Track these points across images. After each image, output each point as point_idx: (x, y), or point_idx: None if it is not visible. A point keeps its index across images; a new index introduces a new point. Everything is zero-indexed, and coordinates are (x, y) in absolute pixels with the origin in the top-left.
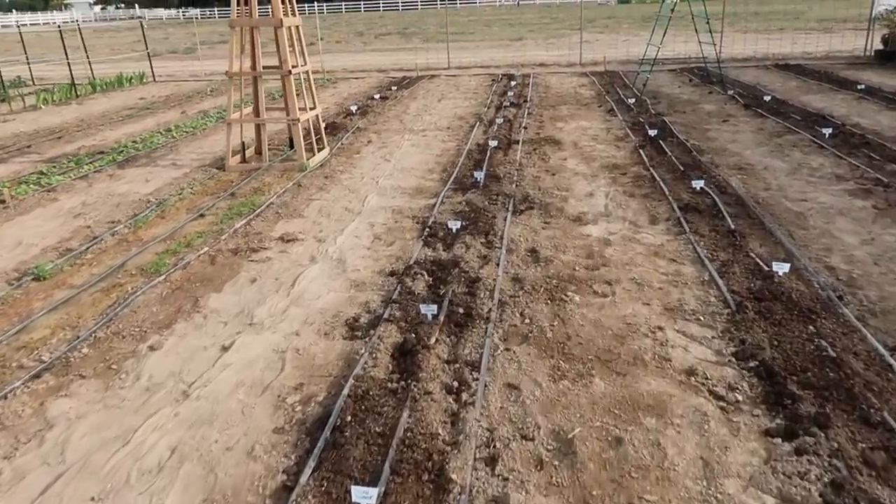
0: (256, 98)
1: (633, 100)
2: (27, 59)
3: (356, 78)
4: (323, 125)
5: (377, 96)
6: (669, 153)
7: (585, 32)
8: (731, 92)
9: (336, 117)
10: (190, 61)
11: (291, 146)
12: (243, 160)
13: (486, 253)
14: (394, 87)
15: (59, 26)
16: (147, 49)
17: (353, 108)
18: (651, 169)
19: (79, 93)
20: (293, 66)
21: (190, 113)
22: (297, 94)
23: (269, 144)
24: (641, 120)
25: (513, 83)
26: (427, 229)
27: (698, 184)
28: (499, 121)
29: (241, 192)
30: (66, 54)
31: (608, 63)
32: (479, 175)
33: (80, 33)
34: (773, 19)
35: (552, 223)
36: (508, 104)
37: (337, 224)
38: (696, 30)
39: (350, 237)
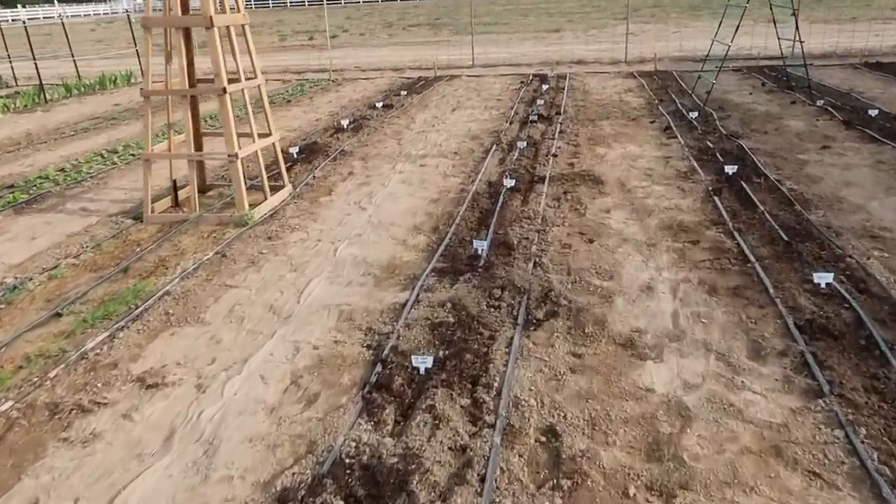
0: (195, 122)
1: (696, 113)
2: (7, 56)
3: (366, 78)
4: (286, 154)
5: (380, 104)
6: (760, 205)
7: (630, 23)
8: (820, 102)
9: (320, 134)
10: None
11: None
12: (175, 204)
13: (466, 443)
14: (403, 92)
15: (61, 17)
16: (133, 45)
17: (346, 123)
18: (737, 235)
19: (50, 97)
20: (234, 80)
21: (158, 126)
22: (245, 118)
23: (218, 179)
24: (710, 144)
25: (545, 87)
26: (377, 371)
27: (823, 279)
28: (521, 144)
29: (139, 265)
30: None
31: (659, 60)
32: (482, 245)
33: (64, 27)
34: (840, 7)
35: (587, 355)
36: (536, 118)
37: (244, 344)
38: (773, 21)
39: (251, 382)
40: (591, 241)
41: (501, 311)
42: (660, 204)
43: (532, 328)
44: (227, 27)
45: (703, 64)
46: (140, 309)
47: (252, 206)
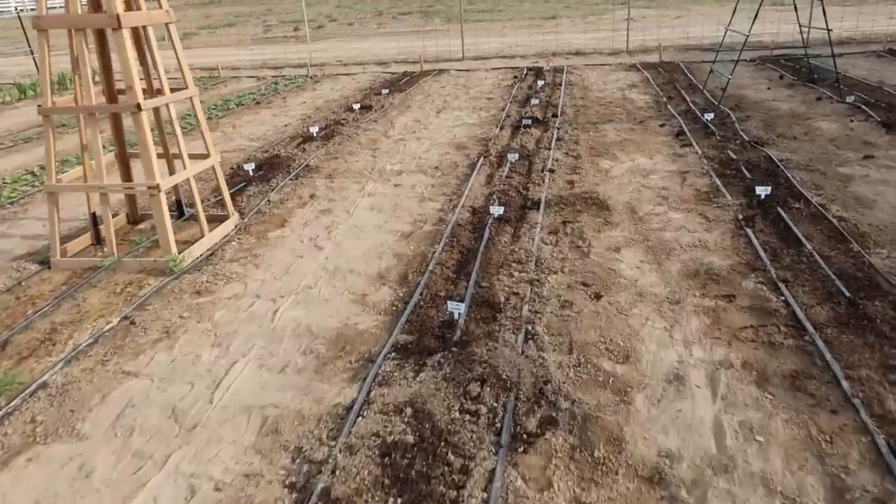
0: (119, 144)
1: (711, 114)
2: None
3: (347, 74)
4: (238, 173)
5: (358, 106)
6: (805, 242)
7: (631, 8)
8: (850, 99)
9: (286, 144)
10: (219, 49)
11: (185, 209)
12: (96, 242)
13: None
14: (385, 91)
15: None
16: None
17: (315, 130)
18: (783, 287)
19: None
20: (151, 95)
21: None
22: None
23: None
24: (732, 154)
25: (540, 83)
26: None
27: None
28: (513, 157)
29: (22, 337)
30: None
31: (663, 50)
32: (459, 308)
33: (21, 21)
34: None
35: (599, 501)
36: (530, 121)
37: (122, 481)
38: (794, 6)
39: None
40: (597, 297)
41: (479, 422)
42: (680, 239)
43: (521, 449)
44: (144, 28)
45: (715, 55)
46: None
47: (187, 243)
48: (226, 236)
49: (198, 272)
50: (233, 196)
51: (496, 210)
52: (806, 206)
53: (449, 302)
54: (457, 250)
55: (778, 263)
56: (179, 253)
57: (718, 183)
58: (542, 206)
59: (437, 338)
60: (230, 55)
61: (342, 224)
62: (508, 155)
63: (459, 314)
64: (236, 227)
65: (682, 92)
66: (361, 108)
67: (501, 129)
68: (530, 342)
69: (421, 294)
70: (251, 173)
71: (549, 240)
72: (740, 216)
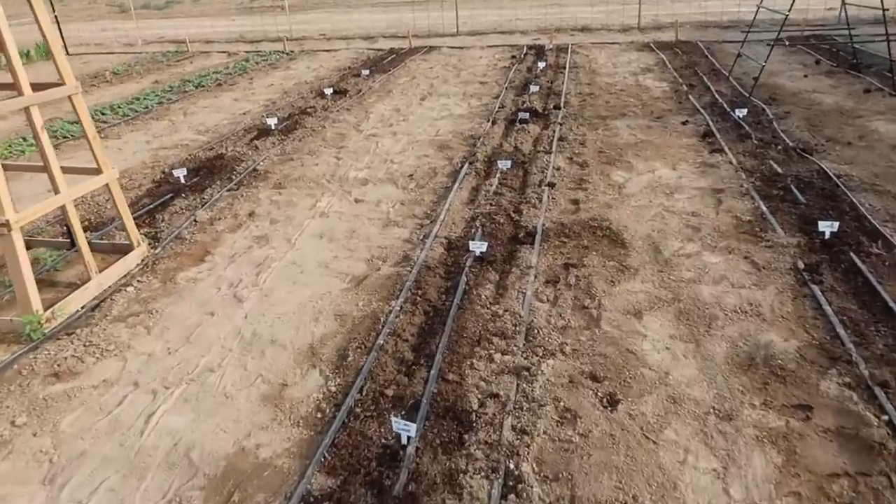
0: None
1: (744, 110)
2: None
3: (328, 51)
4: (166, 180)
5: (331, 90)
6: None
7: None
8: None
9: (236, 140)
10: (198, 20)
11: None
12: None
13: None
14: (365, 72)
15: None
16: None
17: (274, 122)
18: (881, 395)
19: None
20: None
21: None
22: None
23: (55, 224)
24: (775, 165)
25: (541, 64)
26: None
27: None
28: (504, 164)
29: None
30: None
31: (680, 27)
32: (408, 431)
33: None
34: None
35: None
36: (528, 114)
37: None
38: None
39: None
40: (613, 403)
41: None
42: (723, 299)
43: None
44: None
45: (744, 37)
46: None
47: (69, 288)
48: (124, 276)
49: (66, 338)
50: (153, 213)
51: (477, 246)
52: (888, 249)
53: (394, 419)
54: (420, 310)
55: (867, 349)
56: (47, 309)
57: (764, 209)
58: (537, 238)
59: (371, 485)
60: (206, 27)
61: (278, 260)
62: (499, 162)
63: (409, 438)
64: (143, 261)
65: (705, 79)
66: (335, 92)
67: (493, 123)
68: (511, 499)
69: (361, 391)
70: (182, 181)
71: (546, 294)
72: (800, 263)
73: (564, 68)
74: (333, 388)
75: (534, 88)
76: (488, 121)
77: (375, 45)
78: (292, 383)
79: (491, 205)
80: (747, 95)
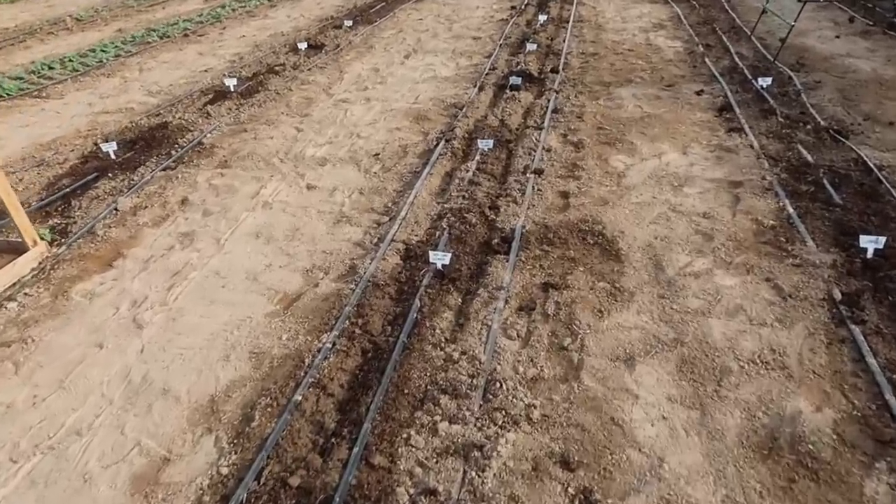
0: None
1: (769, 79)
2: None
3: None
4: (94, 155)
5: (304, 45)
6: None
7: None
8: None
9: (189, 104)
10: None
11: None
12: None
13: None
14: (348, 23)
15: None
16: None
17: (234, 83)
18: None
19: None
20: None
21: None
22: None
23: None
24: (804, 151)
25: (542, 17)
26: None
27: None
28: (485, 145)
29: None
30: None
31: None
32: None
33: None
34: None
35: None
36: (521, 78)
37: None
38: None
39: None
40: None
41: None
42: (738, 343)
43: None
44: None
45: None
46: None
47: None
48: (12, 286)
49: None
50: (69, 199)
51: (439, 258)
52: None
53: None
54: (356, 349)
55: None
56: None
57: (791, 210)
58: (514, 246)
59: None
60: None
61: (199, 269)
62: (480, 141)
63: None
64: (39, 265)
65: (724, 38)
66: (310, 47)
67: (481, 89)
68: None
69: (259, 477)
70: (113, 156)
71: (517, 328)
72: (836, 292)
73: (568, 22)
74: (225, 470)
75: (531, 47)
76: (475, 86)
77: None
78: (177, 456)
79: (464, 198)
80: (772, 60)
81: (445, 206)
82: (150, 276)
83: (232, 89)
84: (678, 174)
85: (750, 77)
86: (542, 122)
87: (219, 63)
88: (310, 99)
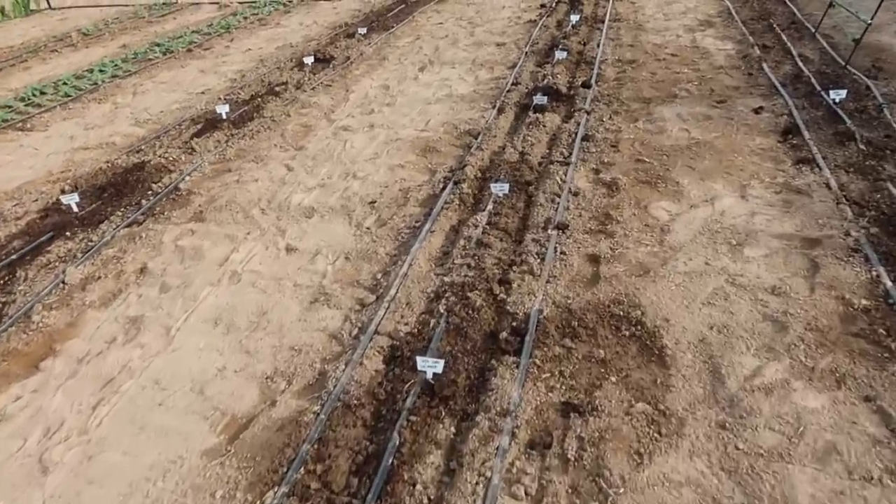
0: None
1: (843, 92)
2: None
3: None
4: (53, 209)
5: (311, 60)
6: None
7: None
8: None
9: (173, 139)
10: None
11: None
12: None
13: None
14: (362, 30)
15: None
16: None
17: (226, 110)
18: None
19: None
20: None
21: None
22: None
23: None
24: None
25: (574, 18)
26: None
27: None
28: (500, 189)
29: None
30: None
31: None
32: None
33: None
34: None
35: None
36: (547, 97)
37: None
38: None
39: None
40: None
41: None
42: None
43: None
44: None
45: None
46: None
47: None
48: None
49: None
50: (15, 268)
51: (430, 365)
52: None
53: None
54: None
55: None
56: None
57: (888, 283)
58: (527, 343)
59: None
60: None
61: (137, 375)
62: (493, 186)
63: None
64: None
65: (784, 37)
66: (317, 61)
67: (501, 111)
68: None
69: None
70: (75, 209)
71: (525, 482)
72: None
73: (603, 22)
74: None
75: (560, 55)
76: (494, 106)
77: None
78: None
79: (469, 266)
80: (843, 64)
81: (445, 279)
82: (77, 386)
83: (224, 116)
84: (736, 227)
85: (818, 87)
86: (570, 155)
87: (219, 82)
88: (308, 127)
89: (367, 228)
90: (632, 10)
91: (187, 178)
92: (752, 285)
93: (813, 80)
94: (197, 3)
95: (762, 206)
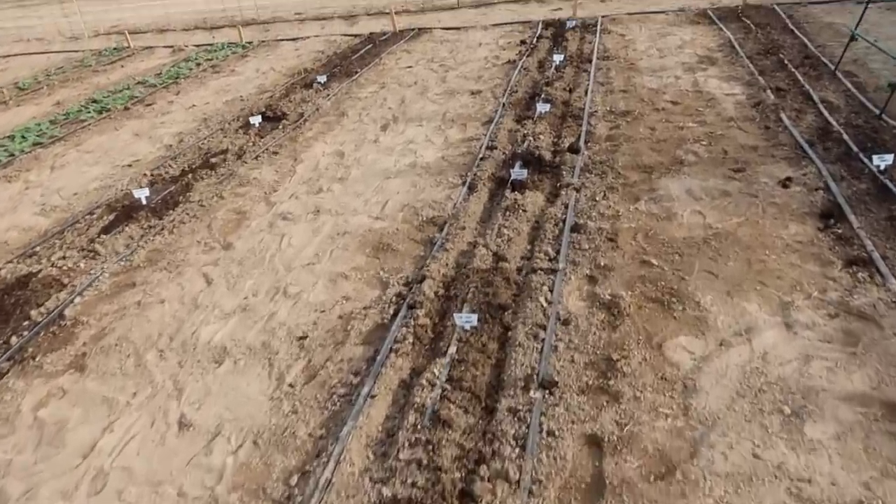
0: None
1: (889, 157)
2: None
3: (294, 39)
4: None
5: (258, 119)
6: None
7: None
8: None
9: (79, 234)
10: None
11: None
12: None
13: None
14: (321, 78)
15: None
16: None
17: (145, 194)
18: None
19: None
20: None
21: None
22: None
23: None
24: None
25: (557, 59)
26: None
27: None
28: (465, 321)
29: None
30: None
31: None
32: None
33: None
34: None
35: None
36: (528, 168)
37: None
38: None
39: None
40: None
41: None
42: None
43: None
44: None
45: (865, 7)
46: None
47: None
48: None
49: None
50: None
51: None
52: None
53: None
54: None
55: None
56: None
57: None
58: None
59: None
60: (174, 7)
61: None
62: (458, 318)
63: None
64: None
65: (798, 75)
66: (265, 119)
67: (472, 189)
68: None
69: None
70: None
71: None
72: None
73: (590, 62)
74: None
75: (543, 108)
76: (464, 182)
77: (354, 29)
78: None
79: (419, 465)
80: (878, 114)
81: (384, 490)
82: None
83: (144, 202)
84: (787, 382)
85: (855, 148)
86: (557, 255)
87: (151, 150)
88: (241, 214)
89: (290, 386)
90: (622, 44)
91: (77, 298)
92: (825, 498)
93: (846, 137)
94: (151, 48)
95: (817, 344)
